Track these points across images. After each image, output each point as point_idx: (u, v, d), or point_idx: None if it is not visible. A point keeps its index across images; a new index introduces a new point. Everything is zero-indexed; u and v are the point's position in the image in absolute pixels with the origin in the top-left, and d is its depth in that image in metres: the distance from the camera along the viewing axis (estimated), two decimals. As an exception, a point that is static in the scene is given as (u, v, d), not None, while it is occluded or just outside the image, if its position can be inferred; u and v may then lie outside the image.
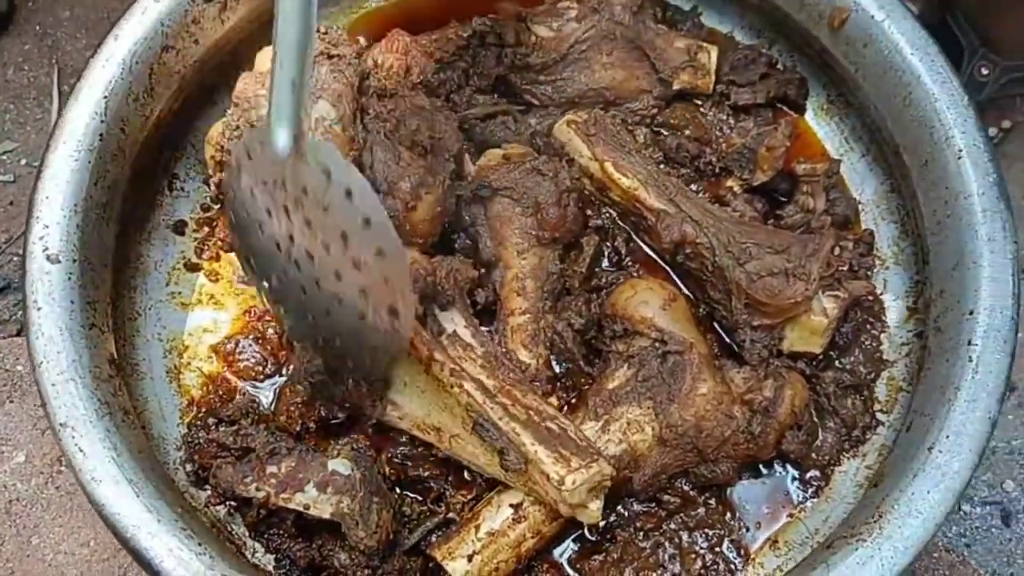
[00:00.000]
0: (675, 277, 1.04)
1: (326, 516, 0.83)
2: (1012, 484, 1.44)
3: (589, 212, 1.05)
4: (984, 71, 1.59)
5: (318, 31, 1.00)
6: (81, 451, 0.76)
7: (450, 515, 0.93)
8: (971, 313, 0.84)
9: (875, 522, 0.77)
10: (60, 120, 0.87)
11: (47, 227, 0.83)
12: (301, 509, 0.84)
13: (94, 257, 0.87)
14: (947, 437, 0.79)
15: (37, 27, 1.71)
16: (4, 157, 1.60)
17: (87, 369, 0.80)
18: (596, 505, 0.84)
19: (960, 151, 0.91)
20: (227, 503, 0.90)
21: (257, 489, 0.83)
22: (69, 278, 0.83)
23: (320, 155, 0.72)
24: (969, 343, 0.83)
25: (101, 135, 0.89)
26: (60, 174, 0.85)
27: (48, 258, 0.82)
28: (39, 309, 0.80)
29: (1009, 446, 1.47)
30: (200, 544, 0.76)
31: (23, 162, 1.60)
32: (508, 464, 0.84)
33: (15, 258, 1.52)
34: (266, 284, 0.83)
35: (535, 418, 0.86)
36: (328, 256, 0.75)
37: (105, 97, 0.90)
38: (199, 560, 0.74)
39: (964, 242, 0.88)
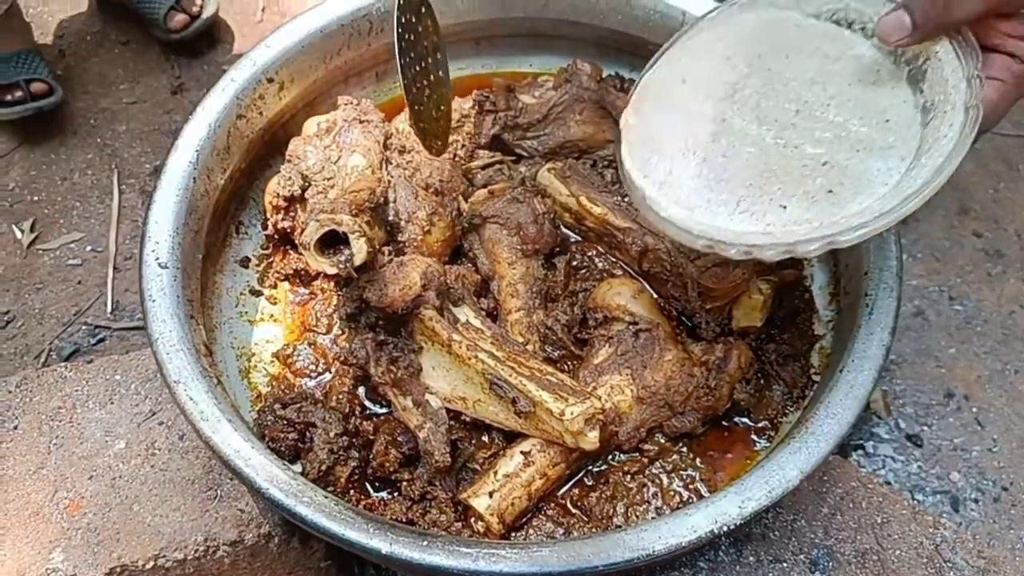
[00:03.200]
0: (642, 281, 1.28)
1: (412, 425, 1.06)
2: (957, 475, 1.65)
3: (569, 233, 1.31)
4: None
5: (351, 103, 1.29)
6: (191, 399, 0.98)
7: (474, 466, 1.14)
8: (866, 274, 1.09)
9: (803, 425, 1.00)
10: (163, 166, 1.13)
11: (157, 243, 1.08)
12: (399, 408, 1.07)
13: (189, 269, 1.12)
14: (853, 360, 1.03)
15: (98, 140, 2.00)
16: (73, 245, 1.85)
17: (190, 343, 1.03)
18: (593, 434, 1.04)
19: (850, 160, 1.18)
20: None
21: (382, 373, 1.07)
22: (174, 280, 1.07)
23: None
24: (865, 294, 1.07)
25: (194, 179, 1.15)
26: (166, 206, 1.11)
27: (159, 264, 1.07)
28: (154, 301, 1.04)
29: (952, 444, 1.68)
30: (283, 463, 0.98)
31: (88, 248, 1.85)
32: (520, 409, 1.06)
33: (84, 327, 1.75)
34: None
35: (537, 374, 1.09)
36: None
37: (197, 150, 1.16)
38: (284, 473, 0.95)
39: (858, 225, 1.15)
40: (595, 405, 1.06)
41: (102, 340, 1.73)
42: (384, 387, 1.10)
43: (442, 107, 1.24)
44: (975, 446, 1.68)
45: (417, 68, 1.17)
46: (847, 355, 1.03)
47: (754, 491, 0.94)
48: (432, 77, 1.21)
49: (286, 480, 0.95)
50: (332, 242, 1.10)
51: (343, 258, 1.08)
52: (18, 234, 1.86)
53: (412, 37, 1.14)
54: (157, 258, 1.07)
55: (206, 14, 2.09)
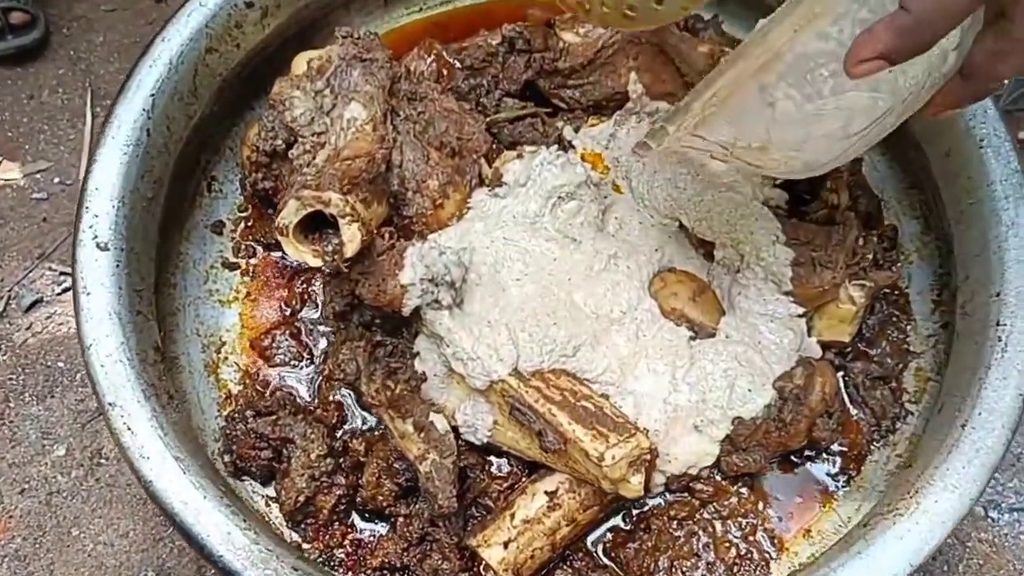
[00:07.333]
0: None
1: (412, 455, 0.85)
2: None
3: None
4: (999, 81, 1.65)
5: (351, 36, 1.04)
6: (129, 429, 0.77)
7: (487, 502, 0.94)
8: (998, 295, 0.86)
9: (911, 498, 0.78)
10: (110, 116, 0.90)
11: (96, 216, 0.86)
12: (397, 435, 0.86)
13: (140, 248, 0.90)
14: (979, 414, 0.80)
15: (71, 52, 1.76)
16: (38, 175, 1.63)
17: (134, 352, 0.82)
18: (637, 479, 0.84)
19: (981, 141, 0.93)
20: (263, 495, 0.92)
21: (375, 392, 0.87)
22: (117, 265, 0.85)
23: None
24: (997, 324, 0.84)
25: (148, 131, 0.91)
26: (110, 167, 0.88)
27: (98, 246, 0.84)
28: (88, 294, 0.83)
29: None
30: (244, 520, 0.77)
31: (56, 180, 1.63)
32: (547, 445, 0.85)
33: (47, 272, 1.55)
34: None
35: (570, 398, 0.87)
36: None
37: (152, 95, 0.92)
38: (244, 535, 0.75)
39: (987, 228, 0.90)
40: (641, 444, 0.85)
41: (67, 290, 1.52)
42: (379, 409, 0.89)
43: None
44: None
45: None
46: (972, 406, 0.80)
47: (849, 587, 0.73)
48: None
49: (244, 542, 0.74)
50: (318, 225, 0.87)
51: (330, 247, 0.85)
52: (-26, 162, 1.64)
53: None
54: (95, 236, 0.85)
55: None
